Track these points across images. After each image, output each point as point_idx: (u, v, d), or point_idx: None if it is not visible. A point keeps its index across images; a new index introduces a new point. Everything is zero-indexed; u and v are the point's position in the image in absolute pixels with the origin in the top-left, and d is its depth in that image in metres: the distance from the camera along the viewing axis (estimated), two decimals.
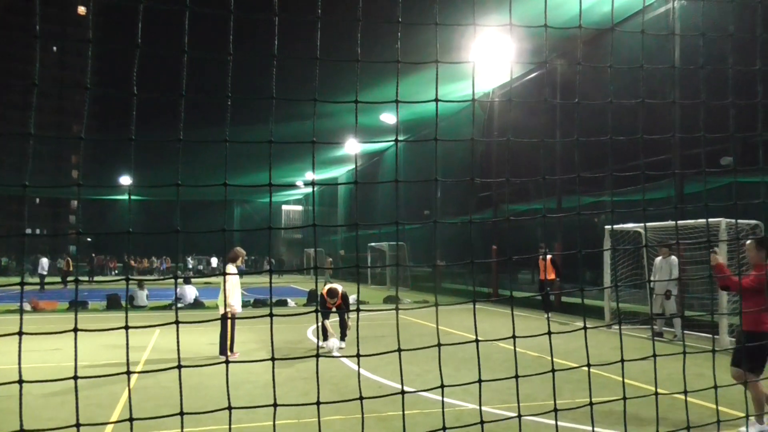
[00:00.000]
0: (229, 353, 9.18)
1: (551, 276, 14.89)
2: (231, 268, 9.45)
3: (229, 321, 9.11)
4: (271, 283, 2.81)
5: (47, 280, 25.90)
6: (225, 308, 9.12)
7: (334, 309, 10.03)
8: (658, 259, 11.55)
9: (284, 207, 53.23)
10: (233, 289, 9.11)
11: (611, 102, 3.05)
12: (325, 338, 10.12)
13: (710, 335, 10.82)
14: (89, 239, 60.25)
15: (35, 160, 71.69)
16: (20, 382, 2.08)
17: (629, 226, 12.90)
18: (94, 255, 47.29)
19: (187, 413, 2.45)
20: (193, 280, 21.46)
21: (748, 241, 5.56)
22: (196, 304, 18.19)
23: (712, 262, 5.56)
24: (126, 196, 49.86)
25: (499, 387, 6.80)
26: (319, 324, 10.38)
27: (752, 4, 3.25)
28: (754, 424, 5.31)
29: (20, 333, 2.08)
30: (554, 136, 17.70)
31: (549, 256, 14.52)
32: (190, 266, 48.61)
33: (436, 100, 2.76)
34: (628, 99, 3.27)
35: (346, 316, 10.45)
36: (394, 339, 12.17)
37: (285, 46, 2.63)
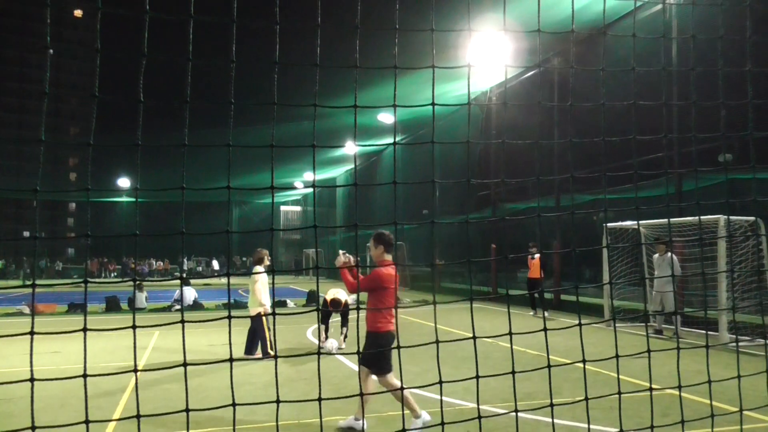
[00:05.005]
0: (270, 352, 9.19)
1: (539, 275, 15.09)
2: (258, 269, 9.49)
3: (264, 320, 9.18)
4: (287, 282, 2.83)
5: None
6: (258, 308, 9.20)
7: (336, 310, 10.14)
8: (656, 256, 11.60)
9: (283, 208, 53.15)
10: (262, 288, 9.18)
11: (603, 104, 3.08)
12: (326, 338, 10.20)
13: (710, 332, 10.88)
14: (87, 242, 60.19)
15: (31, 163, 71.59)
16: (32, 380, 2.10)
17: (628, 223, 12.94)
18: (96, 259, 47.37)
19: (196, 410, 2.46)
20: (192, 281, 21.49)
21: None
22: (195, 306, 18.22)
23: (337, 263, 5.59)
24: (122, 199, 49.80)
25: (500, 386, 6.83)
26: (320, 325, 10.44)
27: (741, 6, 3.28)
28: (414, 421, 5.38)
29: (32, 333, 2.10)
30: (552, 133, 17.77)
31: (538, 255, 14.64)
32: (213, 266, 48.42)
33: (433, 104, 2.79)
34: (627, 95, 3.29)
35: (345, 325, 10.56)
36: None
37: (282, 47, 2.65)
